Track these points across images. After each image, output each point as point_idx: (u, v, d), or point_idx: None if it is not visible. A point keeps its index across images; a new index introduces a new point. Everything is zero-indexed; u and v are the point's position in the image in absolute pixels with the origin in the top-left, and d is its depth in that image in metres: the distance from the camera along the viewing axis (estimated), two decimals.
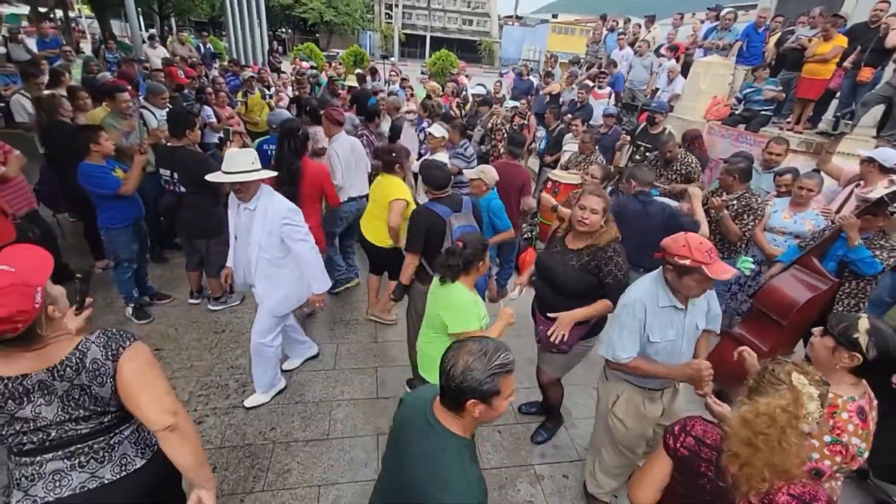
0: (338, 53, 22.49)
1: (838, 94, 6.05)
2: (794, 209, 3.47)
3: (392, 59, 21.06)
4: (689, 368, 1.95)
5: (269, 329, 2.87)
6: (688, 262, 1.80)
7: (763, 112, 5.94)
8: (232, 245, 2.88)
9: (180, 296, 4.09)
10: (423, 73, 11.94)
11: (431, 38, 35.89)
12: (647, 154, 5.20)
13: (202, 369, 3.30)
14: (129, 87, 5.16)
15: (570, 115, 6.29)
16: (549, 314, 2.45)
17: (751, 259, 3.48)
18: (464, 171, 3.51)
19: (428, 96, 7.61)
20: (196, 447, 1.39)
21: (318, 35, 41.97)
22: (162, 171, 3.63)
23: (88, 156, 3.27)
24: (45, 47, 8.89)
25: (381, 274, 3.86)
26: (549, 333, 2.40)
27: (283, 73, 10.25)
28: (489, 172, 3.48)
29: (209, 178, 2.58)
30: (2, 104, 6.90)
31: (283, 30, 42.95)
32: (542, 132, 6.50)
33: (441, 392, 1.28)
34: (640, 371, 2.03)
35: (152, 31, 16.41)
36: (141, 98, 5.09)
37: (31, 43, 9.39)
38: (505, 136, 5.92)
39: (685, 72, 7.40)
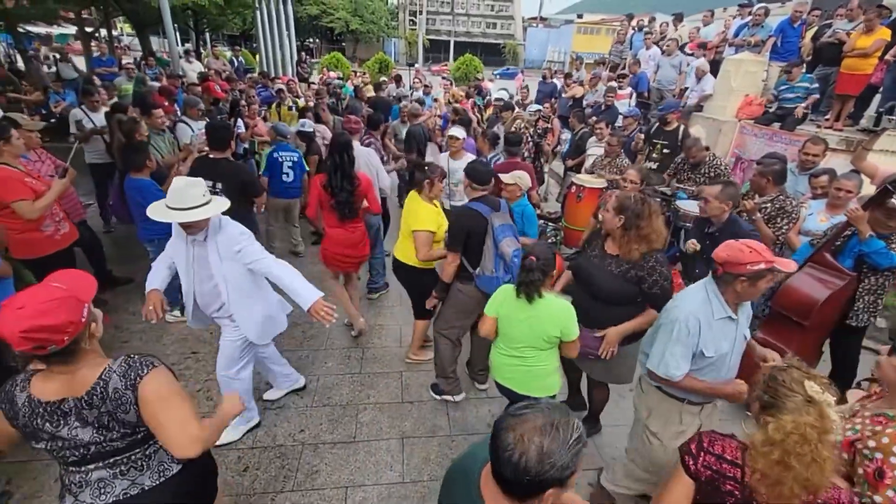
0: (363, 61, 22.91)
1: (881, 90, 5.77)
2: (830, 212, 3.34)
3: (416, 65, 21.29)
4: (731, 387, 1.92)
5: (235, 359, 2.62)
6: (762, 265, 1.74)
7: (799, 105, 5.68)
8: (184, 277, 2.48)
9: None
10: (444, 77, 12.04)
11: (455, 42, 36.13)
12: (665, 152, 5.10)
13: None
14: (166, 104, 5.44)
15: (594, 118, 6.23)
16: (588, 325, 2.43)
17: None
18: (500, 175, 3.50)
19: (449, 101, 7.69)
20: (216, 439, 1.50)
21: (344, 44, 42.92)
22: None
23: (139, 171, 3.50)
24: (101, 65, 9.47)
25: (426, 319, 3.55)
26: (600, 352, 2.42)
27: (313, 83, 10.54)
28: (524, 178, 3.49)
29: (152, 215, 2.18)
30: (52, 120, 7.39)
31: (311, 40, 44.08)
32: (566, 135, 6.46)
33: (502, 481, 1.02)
34: (688, 388, 1.96)
35: (188, 45, 17.16)
36: (178, 111, 5.36)
37: (79, 61, 10.03)
38: (530, 140, 5.93)
39: (715, 71, 7.20)
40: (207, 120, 5.32)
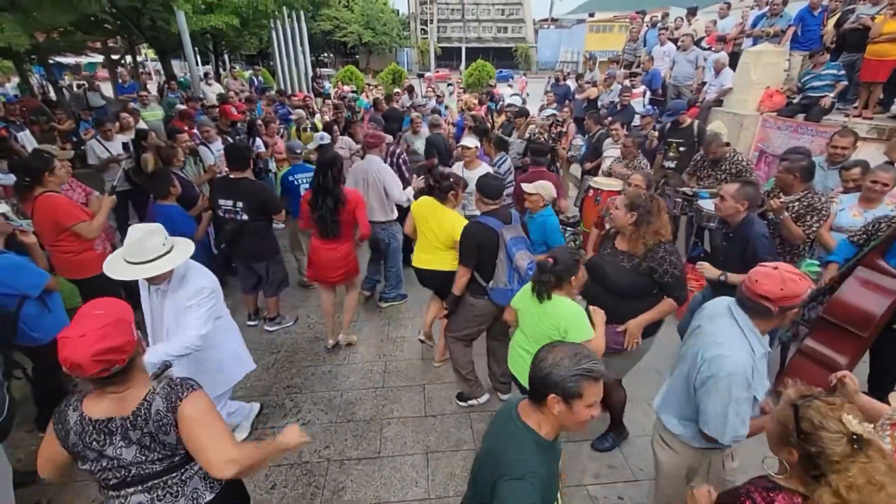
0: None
1: None
2: (864, 205, 3.21)
3: (428, 74, 21.43)
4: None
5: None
6: (809, 289, 1.64)
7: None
8: (150, 329, 2.41)
9: (239, 318, 4.35)
10: (448, 84, 12.07)
11: (467, 48, 36.25)
12: (681, 150, 4.99)
13: (261, 389, 3.49)
14: (186, 128, 5.60)
15: (609, 119, 6.15)
16: (607, 320, 2.39)
17: (816, 262, 3.24)
18: (522, 185, 3.48)
19: (462, 110, 7.71)
20: (257, 464, 1.47)
21: (357, 56, 43.62)
22: (222, 201, 3.76)
23: (165, 198, 3.63)
24: (123, 92, 9.86)
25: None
26: (626, 345, 2.48)
27: (328, 98, 10.74)
28: (548, 188, 3.45)
29: (110, 273, 2.04)
30: (83, 147, 7.72)
31: (326, 55, 44.96)
32: (578, 140, 6.37)
33: (529, 384, 1.39)
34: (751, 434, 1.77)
35: (208, 67, 17.70)
36: (197, 134, 5.51)
37: (106, 87, 10.47)
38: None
39: (734, 64, 7.02)
40: (223, 139, 5.48)
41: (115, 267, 2.05)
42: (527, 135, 5.95)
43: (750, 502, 1.28)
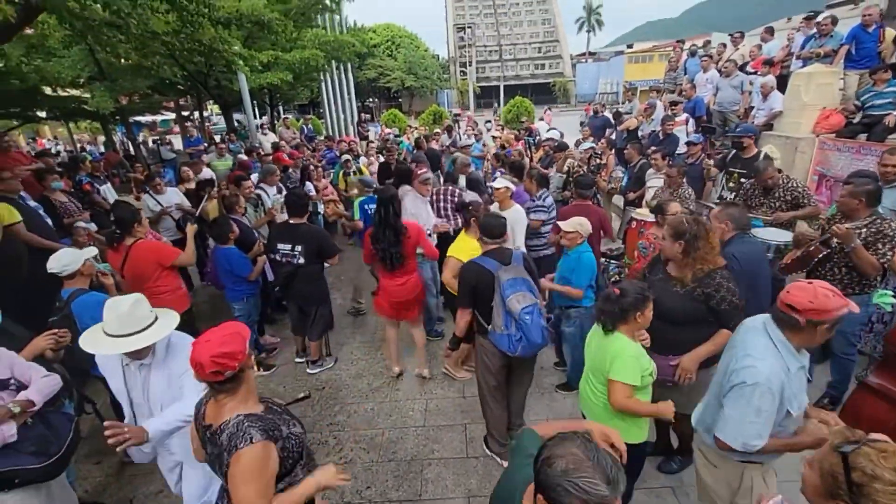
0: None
1: None
2: None
3: (468, 113, 22.05)
4: (811, 438, 1.70)
5: (206, 485, 2.27)
6: (845, 309, 1.60)
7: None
8: (128, 413, 2.18)
9: (288, 355, 4.52)
10: (486, 122, 12.40)
11: (505, 86, 37.25)
12: (743, 181, 4.76)
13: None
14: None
15: (652, 149, 6.04)
16: (661, 350, 2.39)
17: (890, 293, 2.96)
18: (560, 223, 3.49)
19: (502, 146, 7.85)
20: None
21: (400, 100, 45.83)
22: (281, 245, 3.93)
23: (225, 243, 3.94)
24: (190, 145, 10.88)
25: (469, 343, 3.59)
26: (676, 378, 2.41)
27: (372, 141, 11.31)
28: (585, 225, 3.42)
29: (89, 349, 1.93)
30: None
31: (371, 100, 47.61)
32: (618, 172, 6.28)
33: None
34: (771, 450, 1.76)
35: (264, 118, 19.25)
36: (254, 180, 5.93)
37: (177, 141, 11.61)
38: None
39: (781, 87, 6.77)
40: (280, 185, 5.87)
41: (97, 342, 1.91)
42: (565, 168, 5.95)
43: None
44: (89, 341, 1.94)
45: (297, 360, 4.40)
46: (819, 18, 7.01)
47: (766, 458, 1.87)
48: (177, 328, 3.90)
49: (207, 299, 5.84)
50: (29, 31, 7.03)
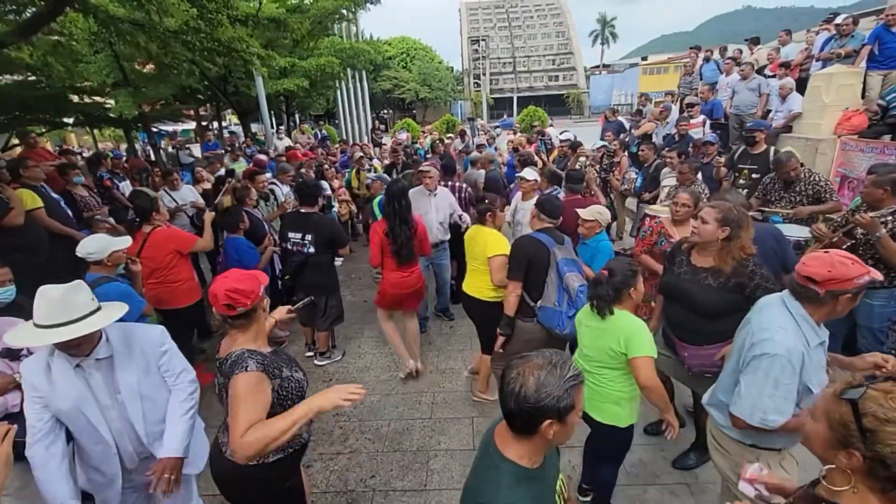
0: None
1: None
2: None
3: (481, 121, 22.19)
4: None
5: (189, 498, 2.11)
6: (867, 276, 1.53)
7: None
8: (106, 435, 1.79)
9: (297, 348, 4.50)
10: (496, 126, 12.50)
11: (518, 97, 37.44)
12: (754, 177, 4.65)
13: None
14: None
15: (666, 149, 5.96)
16: (697, 342, 2.35)
17: None
18: (579, 211, 3.47)
19: (514, 149, 7.85)
20: (271, 441, 1.46)
21: (414, 111, 46.34)
22: (292, 234, 3.93)
23: (235, 232, 3.97)
24: (209, 149, 11.16)
25: (491, 353, 3.43)
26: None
27: (385, 145, 11.44)
28: (605, 214, 3.40)
29: (18, 343, 1.68)
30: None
31: (385, 111, 48.23)
32: (632, 173, 6.20)
33: (508, 416, 1.18)
34: (789, 430, 1.65)
35: (281, 128, 19.75)
36: (269, 177, 6.01)
37: (196, 149, 11.93)
38: (597, 176, 5.79)
39: (801, 90, 6.65)
40: (293, 185, 5.94)
41: (28, 337, 1.61)
42: (577, 165, 5.90)
43: None
44: (17, 336, 1.63)
45: (308, 354, 4.37)
46: (838, 20, 6.89)
47: (783, 443, 1.77)
48: (188, 318, 3.94)
49: None
50: (56, 37, 7.29)
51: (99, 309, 1.71)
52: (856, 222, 2.86)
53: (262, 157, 8.03)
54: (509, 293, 2.87)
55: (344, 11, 12.97)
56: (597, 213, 3.36)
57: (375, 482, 2.84)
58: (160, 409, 1.90)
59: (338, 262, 6.45)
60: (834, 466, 1.06)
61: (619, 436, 2.23)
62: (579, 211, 3.40)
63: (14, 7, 4.04)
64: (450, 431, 3.26)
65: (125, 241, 3.04)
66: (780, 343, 1.62)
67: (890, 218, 2.86)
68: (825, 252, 1.61)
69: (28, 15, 4.05)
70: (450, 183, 5.05)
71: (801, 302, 1.66)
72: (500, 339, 3.03)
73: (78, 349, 1.69)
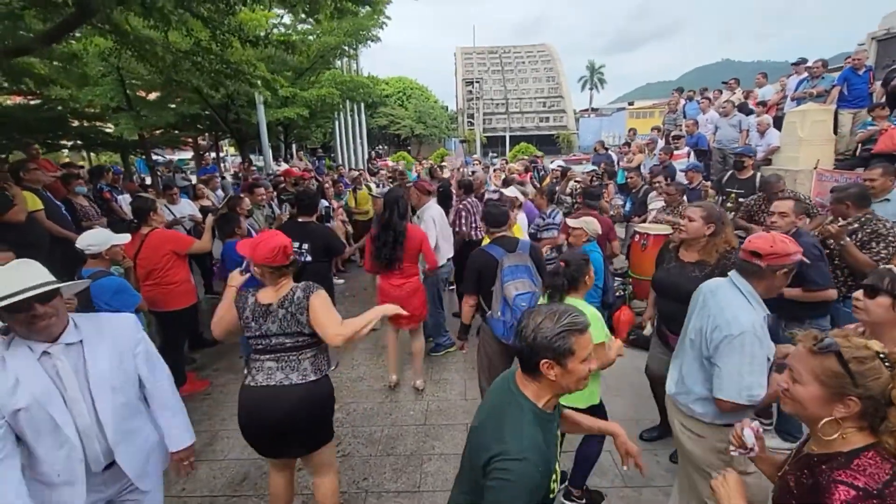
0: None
1: None
2: None
3: (475, 155, 22.85)
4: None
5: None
6: (798, 255, 1.73)
7: None
8: (71, 434, 1.54)
9: None
10: (492, 158, 12.91)
11: (511, 136, 38.69)
12: (740, 200, 4.88)
13: None
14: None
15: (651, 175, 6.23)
16: (676, 333, 2.38)
17: None
18: (567, 220, 3.60)
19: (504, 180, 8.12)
20: (356, 332, 2.00)
21: (409, 147, 47.47)
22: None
23: (231, 237, 4.03)
24: (206, 172, 11.32)
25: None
26: None
27: (381, 171, 11.73)
28: (591, 224, 3.52)
29: None
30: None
31: (381, 147, 49.35)
32: (618, 200, 6.46)
33: (519, 357, 1.32)
34: (771, 397, 1.73)
35: (279, 158, 20.12)
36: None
37: (192, 178, 12.16)
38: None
39: (778, 127, 7.07)
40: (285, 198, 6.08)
41: None
42: (568, 190, 6.11)
43: (845, 489, 1.01)
44: None
45: None
46: (809, 63, 7.42)
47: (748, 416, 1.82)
48: (182, 321, 3.94)
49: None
50: (70, 46, 7.49)
51: (52, 281, 1.52)
52: (823, 232, 3.03)
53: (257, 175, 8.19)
54: (463, 304, 3.06)
55: (346, 48, 13.57)
56: (583, 222, 3.50)
57: (368, 484, 2.80)
58: (130, 406, 1.70)
59: (339, 281, 6.52)
60: (826, 420, 1.08)
61: (598, 413, 2.31)
62: (568, 220, 3.54)
63: (42, 15, 4.22)
64: (444, 437, 3.23)
65: (124, 238, 3.10)
66: (746, 320, 1.73)
67: (859, 231, 3.03)
68: (767, 231, 1.83)
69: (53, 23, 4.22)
70: (463, 202, 5.08)
71: (746, 278, 1.82)
72: (459, 343, 3.25)
73: (47, 329, 1.50)
